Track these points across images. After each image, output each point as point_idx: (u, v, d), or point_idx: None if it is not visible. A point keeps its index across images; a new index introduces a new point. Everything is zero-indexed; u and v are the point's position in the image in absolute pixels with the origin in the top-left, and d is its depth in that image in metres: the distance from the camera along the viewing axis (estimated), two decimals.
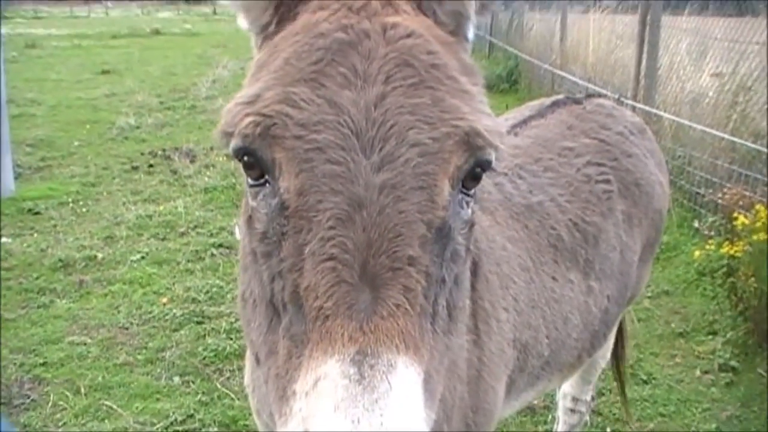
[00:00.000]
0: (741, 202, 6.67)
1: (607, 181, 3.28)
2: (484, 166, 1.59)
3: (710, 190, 8.18)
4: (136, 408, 5.26)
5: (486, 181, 2.92)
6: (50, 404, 5.27)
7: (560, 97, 3.83)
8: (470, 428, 2.48)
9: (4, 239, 8.44)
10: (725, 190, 7.39)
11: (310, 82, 1.48)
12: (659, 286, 7.32)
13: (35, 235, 8.60)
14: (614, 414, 5.28)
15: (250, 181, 1.56)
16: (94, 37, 37.27)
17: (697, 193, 8.53)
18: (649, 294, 7.11)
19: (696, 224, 8.09)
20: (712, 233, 7.33)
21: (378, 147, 1.43)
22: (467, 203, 1.60)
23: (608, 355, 4.25)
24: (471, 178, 1.58)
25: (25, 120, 14.57)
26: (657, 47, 10.55)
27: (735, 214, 6.21)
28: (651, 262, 3.88)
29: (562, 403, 4.35)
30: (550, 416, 5.16)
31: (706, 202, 8.30)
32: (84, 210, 9.49)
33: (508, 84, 17.11)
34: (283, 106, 1.46)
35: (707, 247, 6.69)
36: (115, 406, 5.25)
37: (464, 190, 1.58)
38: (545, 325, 2.89)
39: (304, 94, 1.47)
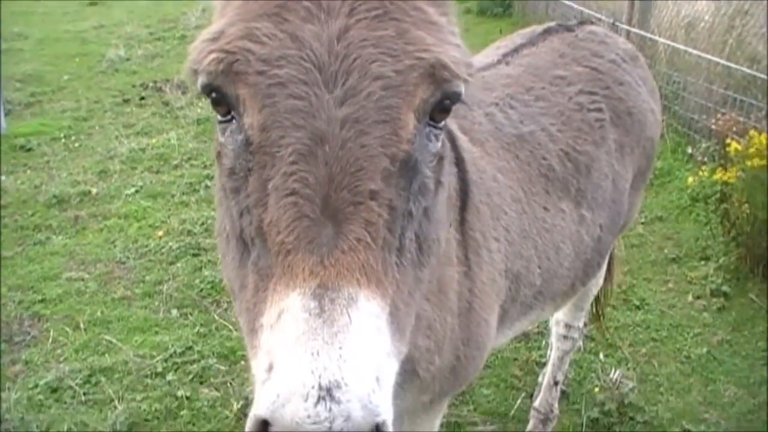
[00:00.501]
0: (735, 128, 6.64)
1: (600, 110, 3.25)
2: (453, 98, 1.59)
3: (704, 116, 8.13)
4: (136, 341, 5.34)
5: (476, 111, 2.90)
6: (50, 340, 5.34)
7: (552, 24, 3.77)
8: (461, 360, 2.51)
9: None
10: (719, 115, 7.34)
11: (273, 16, 1.47)
12: (653, 212, 7.35)
13: (28, 172, 8.56)
14: (607, 339, 5.36)
15: (219, 118, 1.57)
16: None
17: (692, 118, 8.48)
18: (643, 220, 7.14)
19: (690, 150, 8.07)
20: (706, 159, 7.33)
21: (341, 81, 1.42)
22: (436, 136, 1.60)
23: (601, 282, 4.29)
24: (439, 110, 1.57)
25: (12, 55, 14.31)
26: None
27: (729, 140, 6.19)
28: (643, 190, 3.89)
29: (555, 329, 4.41)
30: (543, 342, 5.25)
31: (700, 127, 8.26)
32: (77, 145, 9.42)
33: (501, 9, 16.77)
34: (245, 41, 1.46)
35: (701, 173, 6.70)
36: (114, 340, 5.33)
37: (432, 123, 1.57)
38: (537, 255, 2.91)
39: (266, 29, 1.46)
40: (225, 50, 1.47)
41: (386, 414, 1.28)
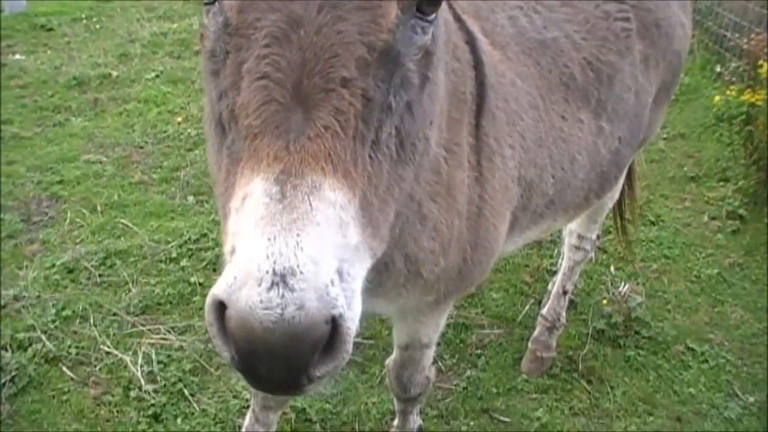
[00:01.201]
0: (767, 50, 6.46)
1: (627, 19, 3.14)
2: None
3: (737, 34, 7.89)
4: (151, 226, 5.39)
5: (500, 13, 2.81)
6: (67, 221, 5.40)
7: None
8: (467, 263, 2.52)
9: (17, 56, 8.35)
10: (753, 35, 7.13)
11: None
12: (675, 128, 7.25)
13: (48, 52, 8.50)
14: (619, 252, 5.37)
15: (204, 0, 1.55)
16: None
17: (724, 36, 8.24)
18: (665, 136, 7.05)
19: (719, 68, 7.86)
20: (734, 79, 7.15)
21: None
22: (423, 28, 1.55)
23: (617, 195, 4.25)
24: (428, 2, 1.53)
25: None
26: None
27: (760, 62, 6.03)
28: (666, 105, 3.80)
29: (568, 239, 4.41)
30: (555, 250, 5.27)
31: (731, 46, 8.03)
32: (97, 27, 9.32)
33: None
34: None
35: (728, 92, 6.54)
36: (130, 224, 5.38)
37: (419, 15, 1.53)
38: (551, 164, 2.87)
39: None
40: None
41: (345, 308, 1.27)
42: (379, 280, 2.25)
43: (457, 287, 2.63)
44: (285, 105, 1.35)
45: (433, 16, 1.56)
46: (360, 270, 1.38)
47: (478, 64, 2.49)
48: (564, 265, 4.49)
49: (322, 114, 1.35)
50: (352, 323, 1.29)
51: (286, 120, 1.34)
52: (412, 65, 1.53)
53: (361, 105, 1.40)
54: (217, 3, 1.50)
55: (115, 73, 7.89)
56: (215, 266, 4.96)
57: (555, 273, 4.71)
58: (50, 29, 9.12)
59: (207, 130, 1.70)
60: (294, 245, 1.23)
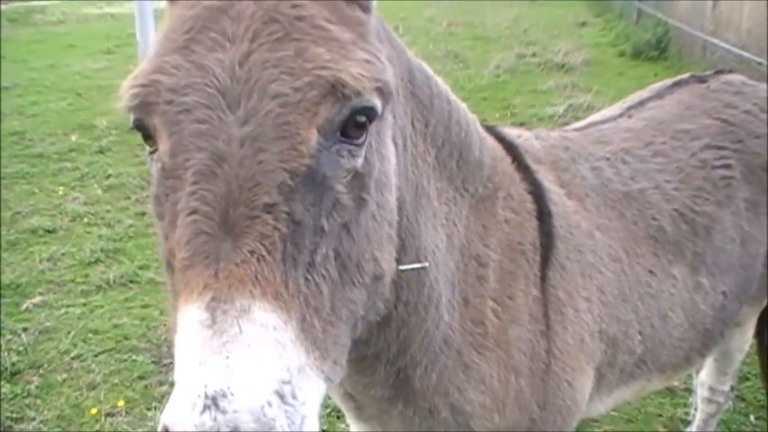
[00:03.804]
0: None
1: (728, 167, 3.05)
2: (366, 113, 1.57)
3: None
4: None
5: (582, 165, 2.80)
6: None
7: (685, 76, 3.56)
8: (537, 423, 2.42)
9: None
10: None
11: (182, 50, 1.54)
12: None
13: None
14: (759, 401, 5.03)
15: (148, 149, 1.62)
16: None
17: None
18: None
19: None
20: None
21: (243, 103, 1.46)
22: (350, 152, 1.57)
23: (746, 347, 4.02)
24: (353, 126, 1.56)
25: None
26: None
27: None
28: None
29: (700, 391, 4.21)
30: (690, 398, 5.00)
31: None
32: None
33: (657, 51, 16.30)
34: (157, 74, 1.53)
35: None
36: None
37: (344, 139, 1.55)
38: (638, 320, 2.76)
39: (174, 61, 1.52)
40: (140, 84, 1.54)
41: (287, 429, 1.26)
42: (427, 426, 2.25)
43: None
44: (213, 236, 1.40)
45: (362, 139, 1.59)
46: (311, 393, 1.37)
47: (544, 215, 2.48)
48: (698, 417, 4.27)
49: (248, 240, 1.39)
50: None
51: (215, 250, 1.39)
52: (342, 188, 1.55)
53: (287, 228, 1.43)
54: (156, 152, 1.58)
55: None
56: None
57: (689, 423, 4.47)
58: None
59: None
60: (224, 367, 1.25)
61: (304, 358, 1.38)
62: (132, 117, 1.60)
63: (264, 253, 1.39)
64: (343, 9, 1.66)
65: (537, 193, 2.50)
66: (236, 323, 1.30)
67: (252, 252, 1.39)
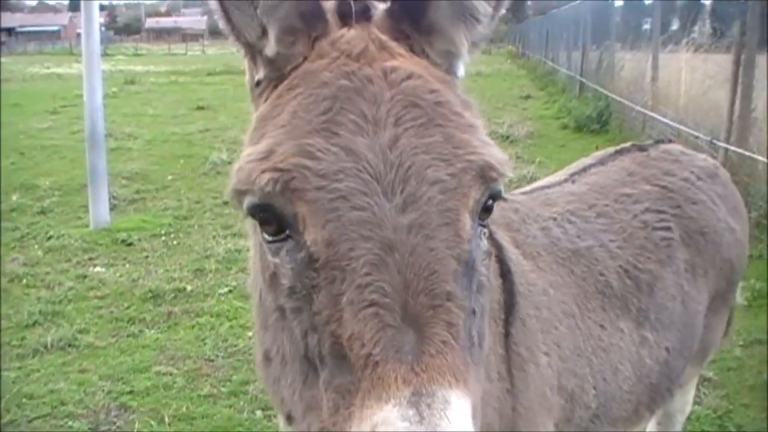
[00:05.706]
0: None
1: (667, 228, 3.16)
2: (497, 196, 1.62)
3: None
4: None
5: (532, 225, 2.90)
6: None
7: (626, 145, 3.71)
8: None
9: (98, 269, 8.74)
10: None
11: (323, 132, 1.50)
12: (751, 334, 7.00)
13: (127, 265, 8.87)
14: None
15: (268, 238, 1.56)
16: (191, 74, 38.73)
17: None
18: (741, 342, 6.82)
19: None
20: None
21: (399, 189, 1.45)
22: (484, 234, 1.62)
23: (687, 409, 4.06)
24: (484, 209, 1.60)
25: (122, 153, 15.13)
26: (752, 88, 10.26)
27: None
28: (724, 313, 3.69)
29: None
30: None
31: None
32: (175, 243, 9.75)
33: (598, 125, 16.84)
34: (300, 158, 1.47)
35: None
36: None
37: (480, 222, 1.60)
38: (592, 374, 2.79)
39: (319, 145, 1.48)
40: (280, 168, 1.47)
41: None
42: None
43: None
44: (398, 328, 1.37)
45: (486, 221, 1.64)
46: None
47: (506, 273, 2.52)
48: None
49: (437, 330, 1.38)
50: None
51: (402, 342, 1.36)
52: (483, 269, 1.60)
53: (463, 314, 1.44)
54: (290, 240, 1.52)
55: (189, 288, 8.13)
56: None
57: None
58: (130, 244, 9.57)
59: (277, 370, 1.71)
60: None
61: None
62: (252, 201, 1.53)
63: (452, 341, 1.39)
64: (457, 91, 1.72)
65: (498, 252, 2.52)
66: (444, 416, 1.29)
67: (444, 342, 1.38)
